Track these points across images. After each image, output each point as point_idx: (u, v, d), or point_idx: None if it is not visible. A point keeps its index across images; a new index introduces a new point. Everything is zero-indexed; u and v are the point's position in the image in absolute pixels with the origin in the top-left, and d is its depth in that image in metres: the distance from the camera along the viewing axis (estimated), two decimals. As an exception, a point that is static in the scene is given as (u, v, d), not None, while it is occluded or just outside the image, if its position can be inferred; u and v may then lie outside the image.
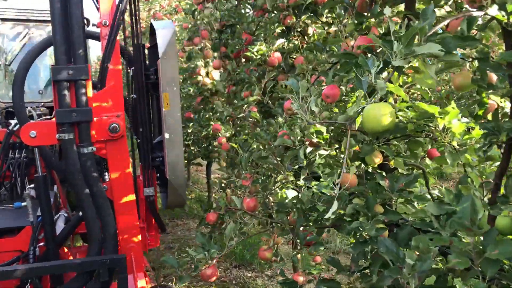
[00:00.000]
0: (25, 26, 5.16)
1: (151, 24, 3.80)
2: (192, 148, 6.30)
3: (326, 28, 3.05)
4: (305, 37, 3.20)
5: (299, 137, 1.96)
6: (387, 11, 1.42)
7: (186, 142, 6.03)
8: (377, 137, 1.71)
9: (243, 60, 3.72)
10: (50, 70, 5.47)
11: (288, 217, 2.28)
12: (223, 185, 3.05)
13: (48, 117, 4.57)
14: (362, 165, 1.91)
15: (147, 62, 3.95)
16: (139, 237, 3.34)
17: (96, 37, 3.82)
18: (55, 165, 3.67)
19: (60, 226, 3.44)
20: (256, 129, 2.75)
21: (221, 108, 3.78)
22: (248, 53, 3.14)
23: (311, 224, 2.15)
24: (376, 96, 1.38)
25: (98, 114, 3.03)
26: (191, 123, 5.81)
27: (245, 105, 3.14)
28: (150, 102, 3.91)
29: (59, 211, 3.73)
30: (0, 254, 3.19)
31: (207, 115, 5.40)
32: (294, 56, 3.25)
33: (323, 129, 1.70)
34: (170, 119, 3.53)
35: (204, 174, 10.04)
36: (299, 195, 2.15)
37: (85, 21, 5.07)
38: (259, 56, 3.12)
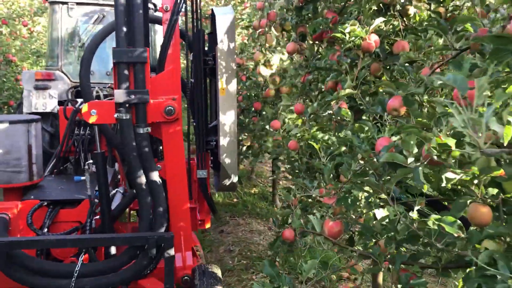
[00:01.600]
0: (98, 9, 4.91)
1: (212, 10, 3.42)
2: (258, 142, 5.07)
3: (433, 7, 2.12)
4: (404, 19, 2.23)
5: (414, 151, 1.21)
6: None
7: (247, 134, 5.07)
8: (523, 155, 1.01)
9: (325, 43, 2.76)
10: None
11: (376, 245, 1.56)
12: (296, 198, 2.33)
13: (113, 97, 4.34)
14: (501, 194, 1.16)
15: (207, 47, 3.58)
16: (189, 217, 3.09)
17: (158, 21, 3.51)
18: (116, 144, 3.41)
19: (116, 201, 3.21)
20: (342, 131, 1.92)
21: (287, 101, 2.84)
22: (338, 35, 2.12)
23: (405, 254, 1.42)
24: None
25: (155, 96, 2.80)
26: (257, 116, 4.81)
27: (334, 100, 2.12)
28: (208, 87, 3.56)
29: (117, 187, 3.49)
30: (61, 224, 3.06)
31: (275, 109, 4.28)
32: (389, 41, 2.34)
33: (452, 142, 1.02)
34: (225, 105, 3.19)
35: (268, 166, 8.64)
36: (394, 218, 1.42)
37: (153, 6, 4.82)
38: (351, 39, 2.09)
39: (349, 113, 1.95)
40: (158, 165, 2.89)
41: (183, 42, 3.40)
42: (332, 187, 1.79)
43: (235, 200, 6.72)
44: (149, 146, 2.70)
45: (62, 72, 4.79)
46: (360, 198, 1.68)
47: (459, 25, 1.61)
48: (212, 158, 3.51)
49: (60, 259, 2.98)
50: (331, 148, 2.04)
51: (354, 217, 1.76)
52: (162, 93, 2.82)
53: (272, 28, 3.12)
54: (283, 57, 3.46)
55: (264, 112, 4.66)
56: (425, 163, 1.16)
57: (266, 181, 8.12)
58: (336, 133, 2.20)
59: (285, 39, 3.49)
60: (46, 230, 2.92)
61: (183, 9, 2.99)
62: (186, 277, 2.99)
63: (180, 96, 2.92)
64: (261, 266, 4.47)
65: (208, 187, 3.42)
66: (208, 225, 3.67)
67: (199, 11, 3.27)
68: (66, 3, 4.83)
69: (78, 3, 4.85)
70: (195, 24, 3.23)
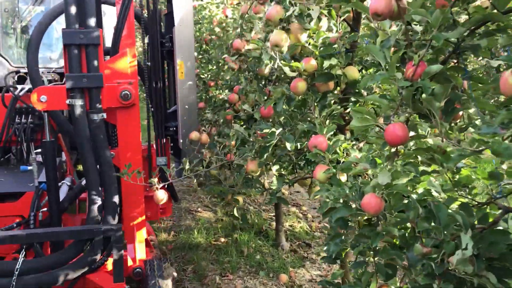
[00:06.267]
0: None
1: (167, -11, 3.59)
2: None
3: None
4: None
5: None
6: None
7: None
8: None
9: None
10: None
11: None
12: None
13: (59, 83, 4.44)
14: None
15: (163, 29, 3.76)
16: (143, 207, 3.25)
17: (111, 2, 3.65)
18: (69, 131, 3.54)
19: (62, 193, 3.32)
20: None
21: (364, 120, 1.58)
22: None
23: None
24: None
25: (110, 80, 2.95)
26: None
27: None
28: (166, 71, 3.73)
29: (64, 178, 3.61)
30: (1, 219, 3.11)
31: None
32: None
33: None
34: (184, 88, 3.39)
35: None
36: None
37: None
38: None
39: None
40: (112, 152, 3.01)
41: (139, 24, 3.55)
42: None
43: (222, 240, 5.11)
44: (104, 133, 2.83)
45: (1, 56, 4.82)
46: None
47: None
48: (172, 144, 3.68)
49: (1, 256, 3.06)
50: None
51: None
52: (117, 77, 2.96)
53: None
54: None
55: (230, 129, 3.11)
56: None
57: (255, 200, 6.26)
58: None
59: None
60: None
61: None
62: (138, 269, 3.13)
63: (137, 80, 3.07)
64: None
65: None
66: (169, 213, 3.84)
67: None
68: (3, -18, 4.86)
69: (18, -17, 4.88)
70: (150, 4, 3.39)
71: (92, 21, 2.72)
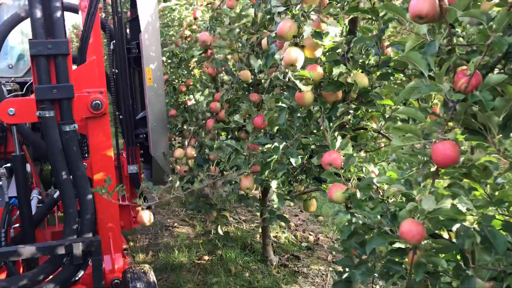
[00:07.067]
0: None
1: (132, -6, 3.61)
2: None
3: None
4: None
5: None
6: None
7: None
8: None
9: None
10: (21, 44, 5.19)
11: None
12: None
13: (19, 93, 4.36)
14: None
15: (129, 35, 3.77)
16: (118, 217, 3.27)
17: (73, 9, 3.63)
18: (36, 143, 3.50)
19: (33, 206, 3.28)
20: None
21: (400, 139, 1.49)
22: None
23: None
24: None
25: (79, 90, 2.93)
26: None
27: None
28: (132, 77, 3.75)
29: (32, 191, 3.58)
30: None
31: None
32: None
33: None
34: (153, 94, 3.43)
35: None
36: None
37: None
38: None
39: None
40: (84, 163, 3.00)
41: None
42: None
43: (206, 258, 4.81)
44: (76, 144, 2.83)
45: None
46: None
47: None
48: (142, 151, 3.71)
49: None
50: None
51: None
52: (86, 86, 2.96)
53: None
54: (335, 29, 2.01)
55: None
56: None
57: (238, 211, 6.00)
58: None
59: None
60: None
61: None
62: (116, 281, 3.16)
63: (106, 88, 3.08)
64: None
65: (140, 182, 3.63)
66: None
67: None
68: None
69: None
70: (115, 10, 3.40)
71: (60, 30, 2.71)
